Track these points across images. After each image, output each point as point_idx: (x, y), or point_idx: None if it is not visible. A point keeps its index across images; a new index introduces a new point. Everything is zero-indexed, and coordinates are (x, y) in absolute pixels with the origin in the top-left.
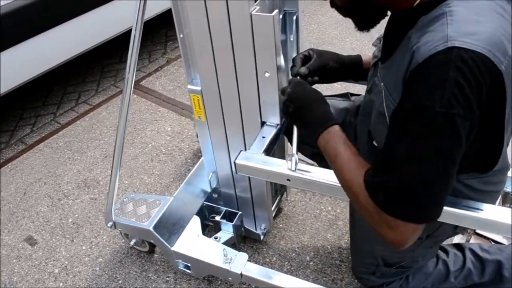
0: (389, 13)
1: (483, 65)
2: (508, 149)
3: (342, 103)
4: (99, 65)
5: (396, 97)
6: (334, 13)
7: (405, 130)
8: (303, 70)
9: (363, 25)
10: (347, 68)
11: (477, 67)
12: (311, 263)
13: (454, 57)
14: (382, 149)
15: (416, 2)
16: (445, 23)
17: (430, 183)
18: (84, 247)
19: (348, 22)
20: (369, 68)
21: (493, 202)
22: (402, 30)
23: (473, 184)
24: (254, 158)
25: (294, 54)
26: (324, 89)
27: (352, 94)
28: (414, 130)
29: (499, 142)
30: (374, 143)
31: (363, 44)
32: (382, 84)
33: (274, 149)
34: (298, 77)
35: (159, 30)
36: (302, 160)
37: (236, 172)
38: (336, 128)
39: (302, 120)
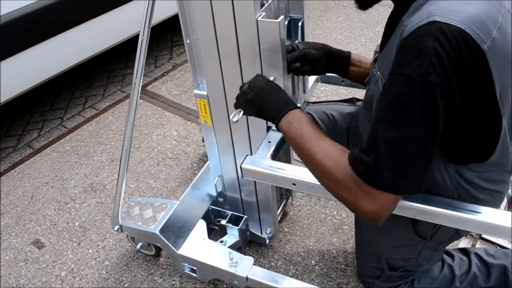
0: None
1: (462, 39)
2: None
3: (348, 108)
4: (105, 70)
5: None
6: (339, 18)
7: (385, 99)
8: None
9: (362, 2)
10: (333, 59)
11: (455, 39)
12: (317, 267)
13: (434, 29)
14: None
15: None
16: (432, 4)
17: (408, 149)
18: (90, 251)
19: (353, 28)
20: (359, 67)
21: (497, 204)
22: (398, 17)
23: (473, 178)
24: (260, 162)
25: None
26: (329, 94)
27: (358, 100)
28: (393, 98)
29: (494, 127)
30: None
31: (368, 48)
32: (378, 73)
33: (280, 154)
34: None
35: (165, 36)
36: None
37: (242, 176)
38: (297, 111)
39: (263, 106)
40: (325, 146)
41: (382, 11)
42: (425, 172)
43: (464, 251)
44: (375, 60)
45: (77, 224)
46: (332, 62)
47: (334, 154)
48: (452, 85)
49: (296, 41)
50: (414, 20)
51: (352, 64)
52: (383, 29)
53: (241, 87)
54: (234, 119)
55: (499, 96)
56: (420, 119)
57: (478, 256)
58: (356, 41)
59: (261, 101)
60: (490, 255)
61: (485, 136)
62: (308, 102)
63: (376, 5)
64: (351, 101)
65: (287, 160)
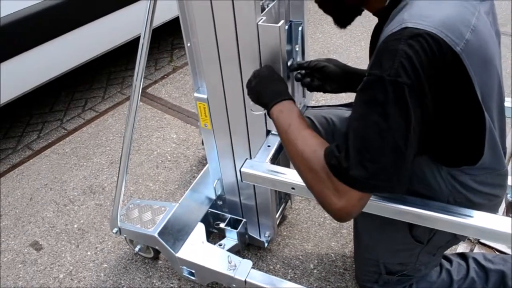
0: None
1: (433, 42)
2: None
3: (347, 112)
4: (105, 72)
5: None
6: None
7: (359, 99)
8: (293, 64)
9: (340, 22)
10: (348, 74)
11: (426, 42)
12: (315, 271)
13: (405, 34)
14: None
15: (388, 0)
16: (405, 11)
17: (377, 148)
18: (89, 253)
19: (353, 32)
20: None
21: (495, 209)
22: (380, 27)
23: (467, 182)
24: (260, 166)
25: None
26: (329, 98)
27: None
28: (365, 98)
29: (478, 127)
30: None
31: (367, 53)
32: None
33: (279, 158)
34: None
35: (166, 38)
36: None
37: (242, 180)
38: (291, 102)
39: (261, 94)
40: (307, 137)
41: None
42: (397, 171)
43: (462, 256)
44: None
45: (75, 226)
46: (350, 80)
47: (313, 144)
48: (423, 86)
49: (297, 46)
50: (389, 28)
51: None
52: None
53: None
54: (255, 112)
55: (481, 96)
56: (390, 119)
57: (476, 261)
58: (356, 45)
59: (260, 89)
60: (488, 260)
61: (470, 136)
62: (308, 106)
63: None
64: (351, 105)
65: (287, 164)
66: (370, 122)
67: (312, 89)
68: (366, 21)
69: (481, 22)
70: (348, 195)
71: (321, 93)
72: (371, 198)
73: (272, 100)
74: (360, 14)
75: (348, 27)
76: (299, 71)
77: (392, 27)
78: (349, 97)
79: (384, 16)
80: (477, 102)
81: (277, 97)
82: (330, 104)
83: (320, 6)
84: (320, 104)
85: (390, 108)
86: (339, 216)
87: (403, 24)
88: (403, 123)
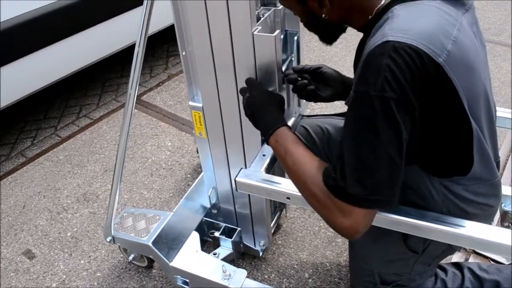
0: (350, 28)
1: (414, 54)
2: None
3: (342, 122)
4: (100, 79)
5: None
6: None
7: (348, 116)
8: (288, 70)
9: (325, 39)
10: (345, 79)
11: (408, 55)
12: (310, 280)
13: (387, 48)
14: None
15: (371, 16)
16: (387, 25)
17: (372, 163)
18: (82, 261)
19: (348, 40)
20: None
21: (489, 218)
22: (364, 42)
23: (460, 192)
24: (254, 176)
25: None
26: (324, 106)
27: None
28: (353, 114)
29: (465, 137)
30: None
31: None
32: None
33: (274, 167)
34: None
35: (161, 46)
36: None
37: (236, 190)
38: (284, 129)
39: (256, 123)
40: (305, 161)
41: None
42: (392, 184)
43: (457, 265)
44: None
45: (69, 234)
46: (348, 89)
47: (311, 168)
48: (409, 99)
49: (292, 55)
50: (371, 42)
51: None
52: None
53: (241, 92)
54: None
55: (467, 105)
56: (381, 134)
57: (471, 271)
58: (351, 53)
59: (254, 121)
60: (483, 270)
61: (458, 146)
62: (303, 116)
63: None
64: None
65: (282, 174)
66: (361, 139)
67: (305, 94)
68: None
69: (463, 33)
70: (352, 213)
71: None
72: None
73: (267, 132)
74: (344, 31)
75: (343, 36)
76: (293, 74)
77: (374, 41)
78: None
79: (367, 31)
80: (463, 111)
81: (270, 127)
82: (325, 113)
83: (305, 26)
84: (314, 114)
85: (380, 123)
86: (348, 234)
87: (384, 38)
88: (394, 137)
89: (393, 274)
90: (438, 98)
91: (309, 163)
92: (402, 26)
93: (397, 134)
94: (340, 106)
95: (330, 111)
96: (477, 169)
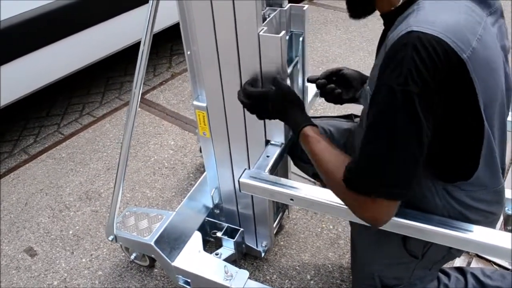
0: (351, 30)
1: (439, 47)
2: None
3: (345, 124)
4: (103, 78)
5: None
6: (338, 31)
7: (371, 109)
8: (311, 76)
9: (353, 12)
10: (364, 78)
11: (433, 48)
12: (312, 282)
13: (412, 39)
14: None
15: (396, 5)
16: (411, 16)
17: (389, 157)
18: (84, 260)
19: (352, 41)
20: None
21: (491, 226)
22: (385, 33)
23: (463, 198)
24: (258, 177)
25: (300, 74)
26: (327, 107)
27: (356, 116)
28: (377, 107)
29: (476, 138)
30: None
31: (366, 63)
32: (367, 87)
33: (278, 168)
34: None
35: (165, 44)
36: (305, 178)
37: (240, 190)
38: (304, 132)
39: (281, 118)
40: (331, 157)
41: (381, 25)
42: (412, 177)
43: (460, 270)
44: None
45: (71, 232)
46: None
47: (337, 166)
48: (431, 93)
49: (296, 57)
50: (395, 33)
51: None
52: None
53: (260, 105)
54: None
55: (483, 106)
56: (403, 128)
57: (474, 276)
58: (355, 54)
59: (279, 117)
60: (487, 276)
61: (466, 147)
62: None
63: (375, 19)
64: (349, 117)
65: (285, 175)
66: (382, 131)
67: (332, 98)
68: (365, 31)
69: (487, 33)
70: (372, 205)
71: (318, 103)
72: None
73: (295, 129)
74: (372, 11)
75: (347, 37)
76: (321, 80)
77: (399, 31)
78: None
79: (389, 21)
80: (478, 111)
81: (297, 125)
82: (328, 115)
83: None
84: (318, 115)
85: (402, 117)
86: (373, 224)
87: (409, 28)
88: (414, 131)
89: (393, 278)
90: (455, 95)
91: (333, 159)
92: (428, 18)
93: (418, 129)
94: (343, 107)
95: (333, 112)
96: (483, 175)
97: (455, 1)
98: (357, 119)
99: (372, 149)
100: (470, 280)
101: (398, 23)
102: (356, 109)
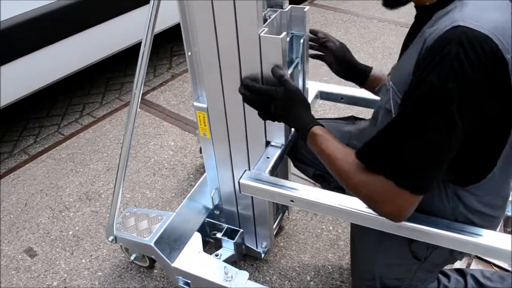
0: (351, 31)
1: (486, 45)
2: None
3: (346, 126)
4: (104, 78)
5: (402, 90)
6: (339, 32)
7: (404, 103)
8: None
9: (388, 1)
10: (350, 67)
11: (479, 45)
12: (312, 283)
13: (458, 34)
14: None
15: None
16: (455, 11)
17: (424, 151)
18: (83, 260)
19: (352, 42)
20: (375, 83)
21: (493, 228)
22: (419, 27)
23: (472, 203)
24: (258, 178)
25: (301, 76)
26: (327, 109)
27: (356, 118)
28: (413, 103)
29: (498, 144)
30: None
31: (366, 64)
32: (390, 82)
33: (278, 169)
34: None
35: (165, 45)
36: (305, 180)
37: (240, 192)
38: (312, 132)
39: (286, 119)
40: (341, 153)
41: (382, 27)
42: (434, 177)
43: (460, 272)
44: (390, 73)
45: (70, 233)
46: (348, 71)
47: (350, 160)
48: (471, 93)
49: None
50: (439, 28)
51: (373, 79)
52: (382, 45)
53: (264, 103)
54: None
55: None
56: (433, 125)
57: (474, 278)
58: (356, 55)
59: (286, 121)
60: (487, 277)
61: (488, 151)
62: None
63: (376, 20)
64: (350, 119)
65: (285, 176)
66: (411, 125)
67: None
68: (365, 32)
69: None
70: (399, 199)
71: (319, 104)
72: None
73: (303, 128)
74: (407, 1)
75: (347, 38)
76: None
77: (442, 26)
78: (347, 108)
79: (425, 15)
80: (509, 114)
81: (305, 125)
82: (329, 117)
83: None
84: (319, 116)
85: (438, 114)
86: (393, 218)
87: (455, 23)
88: (445, 129)
89: (394, 279)
90: (492, 98)
91: (345, 154)
92: (474, 14)
93: (449, 131)
94: (343, 109)
95: (333, 114)
96: (496, 180)
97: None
98: (358, 122)
99: (401, 140)
100: (470, 281)
101: (438, 18)
102: (356, 111)
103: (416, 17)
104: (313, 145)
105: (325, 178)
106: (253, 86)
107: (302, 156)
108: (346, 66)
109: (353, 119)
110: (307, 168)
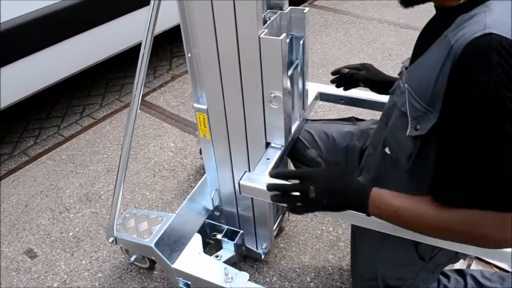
0: (351, 32)
1: None
2: None
3: (347, 127)
4: (104, 79)
5: (423, 95)
6: (338, 33)
7: (460, 120)
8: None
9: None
10: (385, 78)
11: None
12: (312, 284)
13: (493, 43)
14: (437, 152)
15: (461, 2)
16: (483, 16)
17: (497, 166)
18: (84, 262)
19: (352, 43)
20: None
21: None
22: (438, 30)
23: None
24: (259, 179)
25: (301, 77)
26: (327, 109)
27: (357, 119)
28: (468, 118)
29: None
30: (386, 150)
31: None
32: (406, 85)
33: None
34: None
35: (165, 47)
36: None
37: (240, 193)
38: (374, 191)
39: (342, 206)
40: (416, 204)
41: (381, 28)
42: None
43: (460, 272)
44: (400, 73)
45: (71, 234)
46: (384, 87)
47: (427, 207)
48: None
49: (297, 60)
50: (466, 33)
51: None
52: (381, 46)
53: (302, 189)
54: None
55: None
56: (503, 134)
57: (474, 278)
58: (355, 56)
59: (338, 205)
60: (486, 278)
61: None
62: (307, 120)
63: (375, 21)
64: (351, 120)
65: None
66: (480, 141)
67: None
68: (365, 33)
69: None
70: (504, 221)
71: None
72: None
73: (362, 205)
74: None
75: (347, 39)
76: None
77: (471, 32)
78: (347, 109)
79: (446, 17)
80: None
81: (362, 199)
82: (330, 118)
83: None
84: (319, 118)
85: (504, 122)
86: (503, 244)
87: (487, 29)
88: None
89: (397, 279)
90: None
91: (422, 203)
92: (505, 21)
93: None
94: (343, 110)
95: (334, 115)
96: None
97: None
98: (359, 122)
99: (482, 163)
100: (470, 281)
101: (461, 22)
102: (356, 111)
103: (434, 18)
104: (379, 208)
105: None
106: (283, 173)
107: (302, 157)
108: (381, 85)
109: (353, 120)
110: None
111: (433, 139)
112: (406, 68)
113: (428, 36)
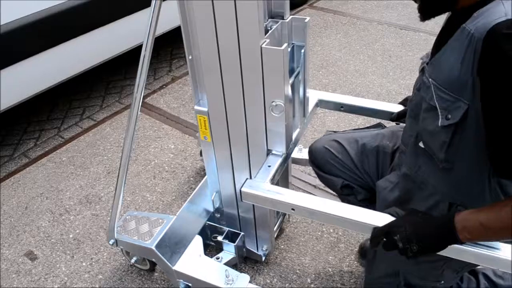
0: (351, 33)
1: None
2: None
3: (376, 131)
4: (104, 81)
5: (449, 86)
6: (338, 35)
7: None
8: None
9: (427, 10)
10: None
11: None
12: (312, 285)
13: None
14: (495, 135)
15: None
16: (501, 7)
17: None
18: (84, 264)
19: (352, 45)
20: None
21: None
22: (457, 24)
23: None
24: (260, 187)
25: (301, 85)
26: (327, 111)
27: (384, 126)
28: None
29: None
30: (420, 144)
31: (366, 66)
32: (430, 79)
33: (279, 178)
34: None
35: (165, 48)
36: (305, 183)
37: (241, 200)
38: (458, 218)
39: (436, 245)
40: (508, 213)
41: (381, 30)
42: None
43: (472, 271)
44: (422, 70)
45: (71, 236)
46: None
47: None
48: None
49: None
50: (487, 21)
51: None
52: (381, 47)
53: (389, 242)
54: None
55: None
56: None
57: (486, 276)
58: (355, 58)
59: (425, 248)
60: (499, 276)
61: None
62: (330, 131)
63: (375, 23)
64: (379, 125)
65: (285, 184)
66: None
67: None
68: (365, 35)
69: None
70: None
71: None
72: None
73: (453, 236)
74: (447, 10)
75: (347, 41)
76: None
77: (490, 19)
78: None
79: (464, 15)
80: None
81: (450, 231)
82: (359, 127)
83: None
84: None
85: None
86: None
87: (509, 16)
88: None
89: (419, 277)
90: None
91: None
92: None
93: None
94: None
95: (334, 116)
96: None
97: None
98: (386, 127)
99: None
100: (482, 280)
101: (479, 14)
102: (357, 118)
103: (450, 18)
104: (469, 228)
105: (352, 189)
106: (375, 237)
107: (331, 167)
108: None
109: (382, 125)
110: (336, 179)
111: (465, 124)
112: (427, 64)
113: (447, 32)
